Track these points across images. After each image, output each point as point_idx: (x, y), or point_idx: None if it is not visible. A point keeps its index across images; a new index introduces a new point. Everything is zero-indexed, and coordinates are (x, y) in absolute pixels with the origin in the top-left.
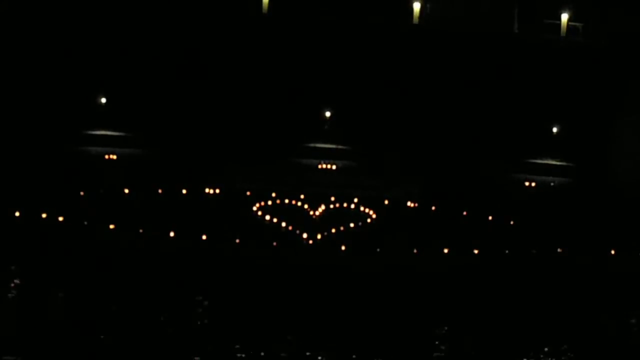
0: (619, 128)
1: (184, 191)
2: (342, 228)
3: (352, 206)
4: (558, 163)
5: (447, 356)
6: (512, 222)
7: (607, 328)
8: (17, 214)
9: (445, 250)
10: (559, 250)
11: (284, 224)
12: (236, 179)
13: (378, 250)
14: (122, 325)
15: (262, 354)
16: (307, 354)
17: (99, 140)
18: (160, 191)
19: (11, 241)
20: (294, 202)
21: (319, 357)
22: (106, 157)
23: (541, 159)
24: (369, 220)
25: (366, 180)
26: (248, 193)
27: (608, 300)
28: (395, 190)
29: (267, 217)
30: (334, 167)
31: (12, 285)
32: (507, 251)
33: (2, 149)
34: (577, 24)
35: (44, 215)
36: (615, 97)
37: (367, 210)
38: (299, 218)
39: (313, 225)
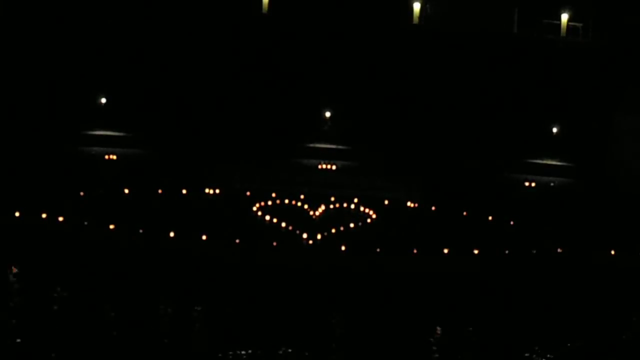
0: (619, 128)
1: (184, 191)
2: (342, 228)
3: (352, 206)
4: (558, 163)
5: (448, 356)
6: (512, 222)
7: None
8: (17, 214)
9: (445, 251)
10: (559, 250)
11: (284, 224)
12: (236, 179)
13: (378, 250)
14: (120, 325)
15: (261, 355)
16: (306, 354)
17: (99, 140)
18: (160, 191)
19: (11, 241)
20: (294, 202)
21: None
22: (106, 157)
23: (541, 159)
24: (369, 220)
25: (366, 180)
26: (248, 193)
27: (608, 300)
28: (395, 190)
29: (267, 217)
30: (334, 167)
31: (12, 286)
32: (507, 251)
33: (2, 149)
34: (577, 24)
35: (43, 216)
36: (614, 97)
37: (367, 210)
38: (299, 218)
39: (313, 225)
